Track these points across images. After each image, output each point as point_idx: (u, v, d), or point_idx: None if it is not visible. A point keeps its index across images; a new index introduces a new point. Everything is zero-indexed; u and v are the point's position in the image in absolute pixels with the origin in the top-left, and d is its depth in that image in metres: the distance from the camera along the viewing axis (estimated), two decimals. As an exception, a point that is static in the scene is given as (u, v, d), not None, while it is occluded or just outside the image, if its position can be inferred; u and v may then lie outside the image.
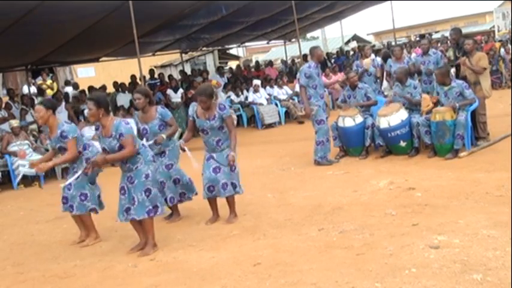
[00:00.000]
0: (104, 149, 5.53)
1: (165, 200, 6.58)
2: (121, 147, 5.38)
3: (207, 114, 6.20)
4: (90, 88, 15.16)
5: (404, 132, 8.57)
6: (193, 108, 6.41)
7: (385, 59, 11.46)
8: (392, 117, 8.57)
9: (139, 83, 13.81)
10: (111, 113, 5.67)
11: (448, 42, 17.22)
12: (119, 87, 15.38)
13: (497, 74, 16.47)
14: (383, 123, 8.66)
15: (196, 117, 6.31)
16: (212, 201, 6.42)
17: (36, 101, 14.57)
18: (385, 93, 10.57)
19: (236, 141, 6.24)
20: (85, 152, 6.11)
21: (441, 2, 53.59)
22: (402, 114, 8.61)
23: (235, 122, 14.26)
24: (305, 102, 8.83)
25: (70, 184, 6.09)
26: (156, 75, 17.48)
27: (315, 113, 8.73)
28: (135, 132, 6.22)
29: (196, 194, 6.84)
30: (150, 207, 5.49)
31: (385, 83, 11.36)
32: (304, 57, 16.40)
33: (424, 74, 9.78)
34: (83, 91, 15.11)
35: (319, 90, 8.80)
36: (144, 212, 5.46)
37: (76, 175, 5.87)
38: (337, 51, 22.76)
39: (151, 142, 6.31)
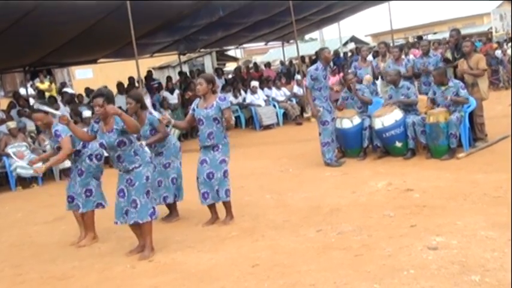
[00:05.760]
0: (101, 144, 5.50)
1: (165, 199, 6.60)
2: (120, 143, 5.36)
3: (206, 104, 6.25)
4: (87, 89, 15.15)
5: (399, 132, 8.57)
6: (195, 102, 6.45)
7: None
8: (386, 118, 8.58)
9: (137, 85, 13.84)
10: None
11: (440, 43, 17.28)
12: (118, 88, 15.35)
13: (496, 75, 16.53)
14: (377, 124, 8.67)
15: (196, 108, 6.36)
16: (211, 204, 6.42)
17: (33, 102, 14.63)
18: (380, 96, 10.56)
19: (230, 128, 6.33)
20: (85, 150, 6.18)
21: (439, 3, 53.71)
22: (396, 115, 8.62)
23: (232, 118, 14.36)
24: (311, 104, 8.80)
25: (75, 182, 6.19)
26: (155, 77, 17.47)
27: (321, 114, 8.72)
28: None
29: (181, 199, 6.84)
30: (152, 209, 5.49)
31: (379, 84, 11.35)
32: (302, 59, 16.40)
33: (424, 75, 9.79)
34: (80, 95, 15.12)
35: (324, 92, 8.74)
36: (147, 215, 5.45)
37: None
38: (334, 52, 22.72)
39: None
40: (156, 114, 6.60)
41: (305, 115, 14.81)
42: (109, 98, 5.43)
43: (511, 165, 6.83)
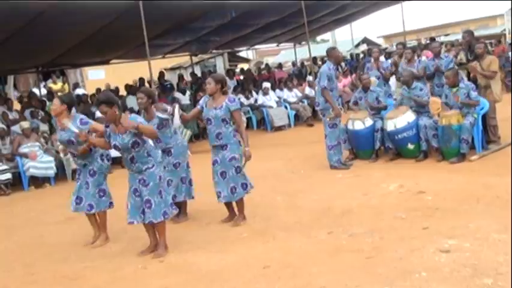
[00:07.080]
0: (115, 146, 5.50)
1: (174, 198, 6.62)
2: (134, 144, 5.36)
3: (215, 104, 6.24)
4: (98, 91, 15.22)
5: (412, 134, 8.53)
6: (205, 99, 6.45)
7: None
8: (398, 120, 8.55)
9: (147, 85, 13.89)
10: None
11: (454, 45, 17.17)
12: (129, 89, 15.44)
13: (510, 77, 16.38)
14: (390, 125, 8.64)
15: (204, 106, 6.35)
16: (227, 202, 6.43)
17: (47, 104, 14.74)
18: (394, 97, 10.53)
19: (248, 137, 6.27)
20: (96, 149, 6.18)
21: (451, 3, 53.30)
22: (409, 117, 8.58)
23: (244, 119, 14.37)
24: (332, 103, 8.51)
25: (87, 183, 6.18)
26: (166, 77, 17.50)
27: (331, 116, 8.58)
28: None
29: (193, 197, 6.86)
30: (165, 209, 5.51)
31: (393, 86, 11.31)
32: (314, 60, 16.36)
33: (436, 77, 9.74)
34: (93, 95, 15.19)
35: (335, 93, 8.68)
36: (160, 215, 5.47)
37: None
38: (350, 54, 22.69)
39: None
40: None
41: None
42: (109, 101, 5.40)
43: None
